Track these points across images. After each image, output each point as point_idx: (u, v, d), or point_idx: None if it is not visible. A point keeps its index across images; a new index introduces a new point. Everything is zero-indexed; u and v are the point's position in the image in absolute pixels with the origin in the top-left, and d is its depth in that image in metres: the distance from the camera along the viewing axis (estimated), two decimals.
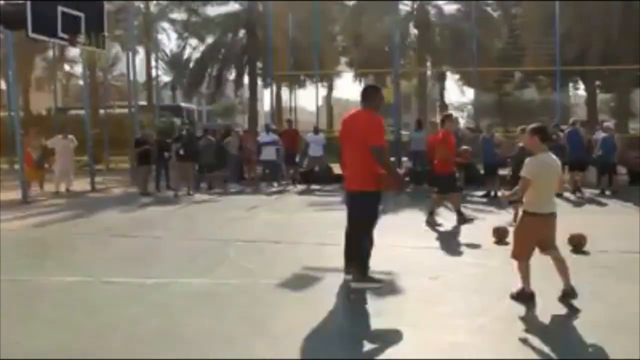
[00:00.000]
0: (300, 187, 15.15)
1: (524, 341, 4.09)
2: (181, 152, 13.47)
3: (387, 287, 5.50)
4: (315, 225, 9.34)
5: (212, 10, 24.94)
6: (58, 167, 13.86)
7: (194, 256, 7.12)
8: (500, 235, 7.58)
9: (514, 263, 5.01)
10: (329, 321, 4.63)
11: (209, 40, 24.22)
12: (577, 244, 6.95)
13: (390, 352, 3.96)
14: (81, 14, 8.92)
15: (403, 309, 4.90)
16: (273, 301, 5.21)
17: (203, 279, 5.96)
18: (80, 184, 14.63)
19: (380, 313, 4.78)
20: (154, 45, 25.87)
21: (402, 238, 7.87)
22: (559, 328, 4.46)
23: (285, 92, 28.17)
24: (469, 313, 4.72)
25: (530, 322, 4.50)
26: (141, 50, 25.11)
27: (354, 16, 23.13)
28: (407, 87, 31.31)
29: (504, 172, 11.92)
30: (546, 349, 3.96)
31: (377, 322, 4.58)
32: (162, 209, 11.51)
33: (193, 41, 25.67)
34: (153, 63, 27.00)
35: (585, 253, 6.82)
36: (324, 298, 5.21)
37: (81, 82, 34.62)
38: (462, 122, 33.11)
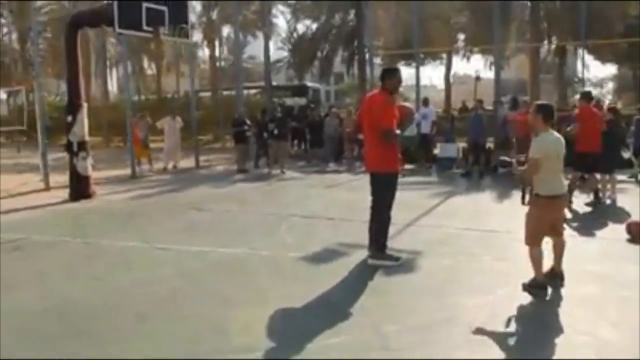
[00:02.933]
0: None
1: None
2: (275, 131, 14.15)
3: (405, 266, 5.62)
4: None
5: None
6: (166, 146, 15.27)
7: (248, 228, 7.70)
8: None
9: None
10: (326, 295, 4.89)
11: (319, 21, 24.72)
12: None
13: (351, 331, 4.15)
14: (164, 8, 9.77)
15: (403, 289, 5.01)
16: (288, 273, 5.60)
17: (240, 249, 6.48)
18: (189, 162, 15.94)
19: (380, 290, 4.96)
20: (270, 28, 26.87)
21: (447, 220, 7.87)
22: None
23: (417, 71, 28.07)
24: (476, 295, 4.74)
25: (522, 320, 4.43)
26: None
27: None
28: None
29: None
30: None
31: (370, 299, 4.75)
32: (248, 185, 12.31)
33: (304, 23, 26.31)
34: (272, 45, 28.10)
35: None
36: (338, 273, 5.46)
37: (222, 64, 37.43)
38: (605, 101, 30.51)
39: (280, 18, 28.16)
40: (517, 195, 9.61)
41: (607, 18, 19.97)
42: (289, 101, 25.93)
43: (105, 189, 11.67)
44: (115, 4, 8.99)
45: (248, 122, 15.09)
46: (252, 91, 29.52)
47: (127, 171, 13.83)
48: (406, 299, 4.73)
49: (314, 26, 25.14)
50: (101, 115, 25.54)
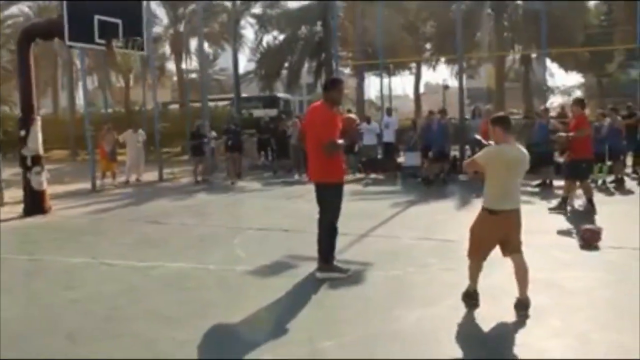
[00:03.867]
0: (358, 175, 15.18)
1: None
2: (229, 143, 14.28)
3: (353, 278, 5.55)
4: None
5: (292, 4, 25.64)
6: (128, 159, 15.04)
7: (201, 242, 7.57)
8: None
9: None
10: (267, 309, 4.79)
11: (287, 33, 24.78)
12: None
13: (281, 345, 4.06)
14: (118, 21, 9.64)
15: (347, 302, 4.92)
16: (232, 287, 5.49)
17: (188, 263, 6.34)
18: (154, 174, 15.70)
19: (323, 304, 4.88)
20: (238, 41, 26.83)
21: (402, 230, 7.85)
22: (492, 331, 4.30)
23: (381, 81, 28.43)
24: (410, 310, 4.67)
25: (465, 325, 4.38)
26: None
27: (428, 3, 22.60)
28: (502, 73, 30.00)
29: None
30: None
31: (311, 313, 4.66)
32: (209, 197, 12.16)
33: (273, 34, 26.35)
34: (243, 57, 28.08)
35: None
36: (283, 287, 5.37)
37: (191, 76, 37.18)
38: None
39: (249, 30, 28.06)
40: (478, 203, 9.67)
41: (569, 27, 20.34)
42: (260, 112, 25.84)
43: (63, 203, 11.41)
44: (65, 16, 8.82)
45: (211, 134, 15.02)
46: (222, 103, 29.34)
47: (87, 184, 13.56)
48: (348, 312, 4.65)
49: (281, 37, 25.16)
50: (68, 129, 25.17)
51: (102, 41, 9.46)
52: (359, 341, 4.01)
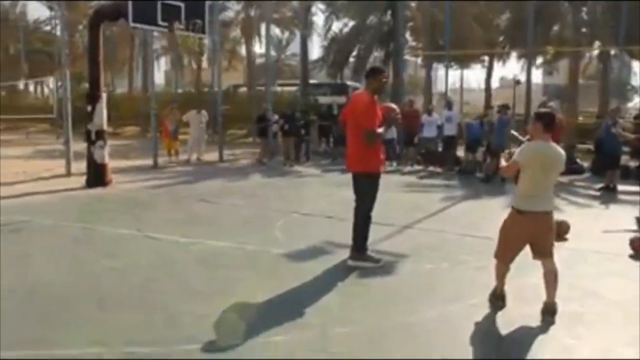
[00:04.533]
0: (416, 167, 14.97)
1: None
2: (286, 127, 14.48)
3: (384, 269, 5.51)
4: (384, 205, 9.32)
5: None
6: (190, 138, 15.52)
7: (246, 222, 7.72)
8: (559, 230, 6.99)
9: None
10: (291, 292, 4.84)
11: (356, 20, 24.63)
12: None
13: (299, 330, 4.10)
14: (181, 4, 9.92)
15: (371, 292, 4.90)
16: (264, 268, 5.58)
17: (227, 242, 6.49)
18: (215, 155, 16.10)
19: (346, 292, 4.88)
20: (309, 27, 26.94)
21: (447, 224, 7.70)
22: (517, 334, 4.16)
23: (446, 73, 27.90)
24: (429, 306, 4.60)
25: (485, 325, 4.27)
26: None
27: None
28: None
29: None
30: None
31: (332, 300, 4.67)
32: (264, 180, 12.37)
33: (343, 21, 26.28)
34: (316, 43, 28.17)
35: None
36: (313, 271, 5.42)
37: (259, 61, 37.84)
38: None
39: (320, 16, 28.02)
40: None
41: None
42: (328, 99, 25.93)
43: (125, 177, 11.94)
44: None
45: (274, 117, 15.35)
46: (289, 88, 29.59)
47: (150, 161, 14.11)
48: (369, 301, 4.63)
49: (351, 24, 25.02)
50: (140, 107, 26.22)
51: (165, 23, 9.76)
52: (371, 331, 3.99)
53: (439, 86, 41.62)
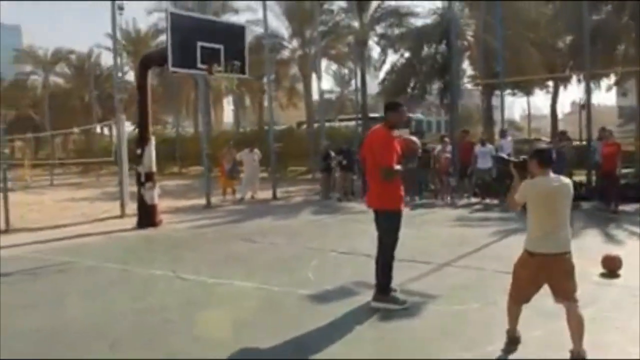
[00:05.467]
0: (472, 200, 14.49)
1: None
2: (344, 162, 14.46)
3: (408, 311, 5.27)
4: (426, 241, 9.07)
5: (416, 22, 25.45)
6: (244, 177, 15.77)
7: (280, 262, 7.68)
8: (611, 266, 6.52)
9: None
10: (301, 338, 4.67)
11: (410, 52, 24.56)
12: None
13: None
14: (220, 46, 10.22)
15: (387, 338, 4.67)
16: (283, 311, 5.48)
17: (255, 283, 6.45)
18: (268, 193, 16.26)
19: (360, 338, 4.67)
20: (365, 61, 27.09)
21: (488, 261, 7.31)
22: None
23: (502, 100, 27.26)
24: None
25: None
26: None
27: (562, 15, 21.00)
28: None
29: None
30: None
31: (341, 349, 4.47)
32: (312, 217, 12.34)
33: (395, 54, 26.30)
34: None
35: None
36: (334, 314, 5.26)
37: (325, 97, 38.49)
38: None
39: (376, 50, 28.15)
40: (587, 237, 8.82)
41: None
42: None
43: (177, 217, 12.26)
44: (169, 44, 9.55)
45: (332, 153, 15.45)
46: (350, 123, 29.68)
47: (213, 199, 14.46)
48: (376, 349, 4.42)
49: (406, 55, 24.95)
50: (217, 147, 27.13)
51: (203, 66, 10.06)
52: None
53: (506, 115, 40.60)
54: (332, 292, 6.04)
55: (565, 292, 3.97)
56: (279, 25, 30.01)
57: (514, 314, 4.21)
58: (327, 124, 27.96)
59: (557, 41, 23.34)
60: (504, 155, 4.60)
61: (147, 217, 10.83)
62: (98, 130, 37.08)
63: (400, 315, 5.16)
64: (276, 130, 28.62)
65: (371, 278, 6.21)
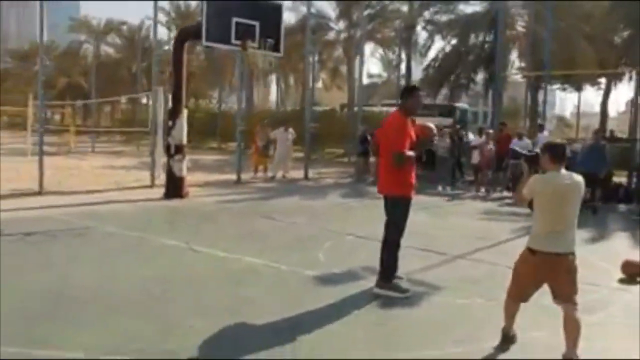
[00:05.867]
0: (505, 194, 14.14)
1: None
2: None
3: (410, 301, 5.19)
4: (447, 232, 8.90)
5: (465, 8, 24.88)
6: (276, 155, 15.81)
7: (296, 241, 7.71)
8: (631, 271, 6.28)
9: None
10: (299, 317, 4.66)
11: (457, 40, 24.01)
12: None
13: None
14: (255, 23, 10.19)
15: (382, 325, 4.61)
16: (287, 290, 5.49)
17: (265, 260, 6.46)
18: (300, 173, 16.25)
19: (355, 322, 4.63)
20: (412, 47, 26.68)
21: (504, 256, 7.09)
22: None
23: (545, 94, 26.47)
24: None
25: None
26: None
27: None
28: None
29: None
30: None
31: (335, 328, 4.45)
32: (339, 200, 12.30)
33: (442, 41, 25.79)
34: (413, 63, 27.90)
35: None
36: (335, 296, 5.23)
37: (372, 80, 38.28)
38: None
39: (423, 35, 27.59)
40: (620, 241, 8.54)
41: None
42: (434, 121, 25.41)
43: (206, 190, 12.42)
44: (204, 18, 9.58)
45: (369, 137, 15.37)
46: (393, 108, 29.31)
47: (244, 175, 14.60)
48: (372, 335, 4.37)
49: (453, 42, 24.39)
50: (244, 123, 27.40)
51: (238, 42, 10.06)
52: None
53: (556, 110, 39.34)
54: (339, 275, 6.00)
55: (564, 294, 3.82)
56: (327, 6, 29.82)
57: (510, 312, 4.07)
58: (367, 109, 27.76)
59: (612, 36, 22.32)
60: (517, 148, 4.43)
61: (174, 188, 10.99)
62: (144, 101, 37.78)
63: (401, 304, 5.09)
64: (317, 111, 28.72)
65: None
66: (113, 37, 42.08)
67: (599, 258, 7.09)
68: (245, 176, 14.75)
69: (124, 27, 41.45)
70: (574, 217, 3.88)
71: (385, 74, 51.46)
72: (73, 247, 6.85)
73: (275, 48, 10.65)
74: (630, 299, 5.56)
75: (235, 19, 9.91)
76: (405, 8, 26.64)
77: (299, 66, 30.32)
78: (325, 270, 6.14)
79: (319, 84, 33.64)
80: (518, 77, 28.77)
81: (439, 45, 26.39)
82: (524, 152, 4.30)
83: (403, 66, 23.24)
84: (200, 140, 28.04)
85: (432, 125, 5.54)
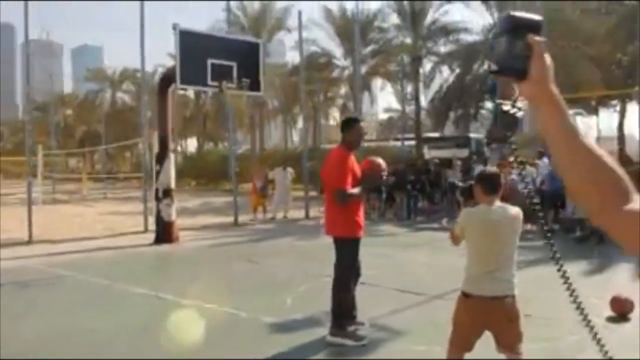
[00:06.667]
0: None
1: None
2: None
3: (364, 349, 4.89)
4: (431, 269, 8.55)
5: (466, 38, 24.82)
6: (276, 195, 15.66)
7: (268, 285, 7.49)
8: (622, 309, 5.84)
9: None
10: None
11: (459, 70, 23.89)
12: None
13: None
14: (233, 63, 10.19)
15: None
16: (235, 338, 5.28)
17: (227, 307, 6.24)
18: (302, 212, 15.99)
19: None
20: (420, 79, 26.62)
21: None
22: None
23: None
24: None
25: None
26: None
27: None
28: None
29: None
30: None
31: None
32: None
33: (445, 72, 25.73)
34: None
35: None
36: (286, 345, 5.00)
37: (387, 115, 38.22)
38: None
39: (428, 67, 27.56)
40: (620, 275, 8.10)
41: None
42: (449, 153, 25.09)
43: (200, 234, 12.28)
44: (178, 60, 9.61)
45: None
46: (409, 142, 29.06)
47: (243, 217, 14.45)
48: None
49: (456, 73, 24.25)
50: (251, 165, 27.51)
51: (215, 83, 10.05)
52: None
53: None
54: (298, 322, 5.73)
55: (506, 342, 3.45)
56: (333, 45, 30.02)
57: None
58: (376, 144, 27.62)
59: (617, 55, 21.87)
60: (455, 181, 4.16)
61: (163, 233, 10.90)
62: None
63: (354, 353, 4.80)
64: (326, 148, 28.67)
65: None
66: (128, 84, 43.14)
67: (593, 294, 6.65)
68: (243, 218, 14.59)
69: (139, 74, 42.48)
70: (510, 255, 3.54)
71: (399, 107, 51.70)
72: (37, 297, 6.77)
73: (255, 87, 10.60)
74: (617, 339, 5.13)
75: (210, 60, 9.93)
76: (409, 40, 26.67)
77: (308, 104, 30.49)
78: (286, 316, 5.88)
79: (331, 121, 33.75)
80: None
81: (444, 75, 26.14)
82: (459, 184, 4.00)
83: (403, 100, 23.06)
84: (216, 182, 28.35)
85: (380, 161, 5.29)
